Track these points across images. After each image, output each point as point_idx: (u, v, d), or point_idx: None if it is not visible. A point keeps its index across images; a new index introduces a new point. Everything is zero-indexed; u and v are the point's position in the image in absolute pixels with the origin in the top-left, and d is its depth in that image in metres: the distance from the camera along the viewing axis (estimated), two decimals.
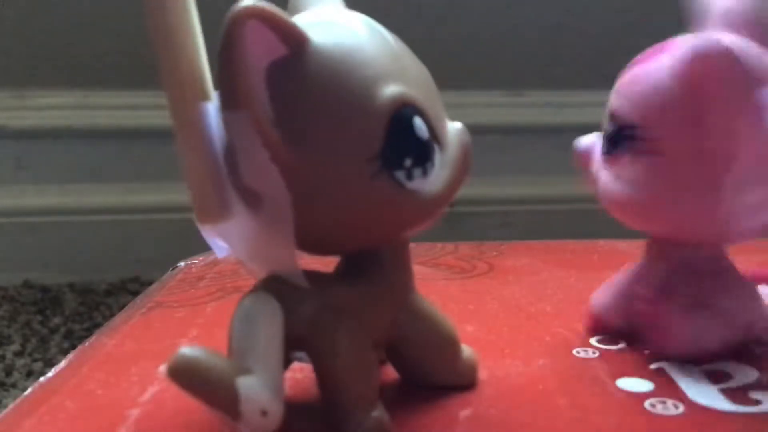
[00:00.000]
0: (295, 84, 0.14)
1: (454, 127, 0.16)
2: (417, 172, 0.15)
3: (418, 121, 0.15)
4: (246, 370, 0.14)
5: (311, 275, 0.16)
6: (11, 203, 0.64)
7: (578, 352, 0.21)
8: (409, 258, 0.17)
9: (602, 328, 0.22)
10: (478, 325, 0.23)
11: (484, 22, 0.67)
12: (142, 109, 0.63)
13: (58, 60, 0.64)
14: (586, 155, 0.21)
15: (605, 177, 0.20)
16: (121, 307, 0.28)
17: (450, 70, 0.65)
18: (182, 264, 0.33)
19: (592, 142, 0.22)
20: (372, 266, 0.16)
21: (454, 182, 0.16)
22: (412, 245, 0.17)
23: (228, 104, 0.14)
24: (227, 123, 0.14)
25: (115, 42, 0.63)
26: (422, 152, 0.15)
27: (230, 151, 0.15)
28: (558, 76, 0.70)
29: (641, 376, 0.19)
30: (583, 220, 0.71)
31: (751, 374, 0.19)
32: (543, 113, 0.69)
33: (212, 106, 0.15)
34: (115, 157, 0.65)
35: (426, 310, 0.18)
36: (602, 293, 0.22)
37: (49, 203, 0.64)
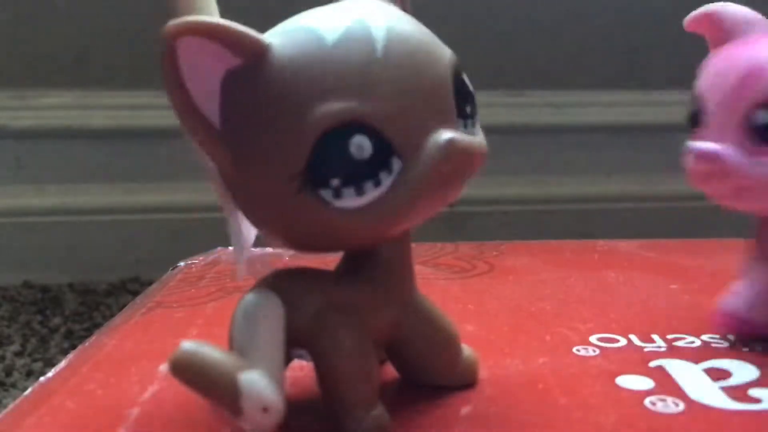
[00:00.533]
0: (243, 94, 0.14)
1: (435, 141, 0.15)
2: (347, 191, 0.14)
3: (358, 141, 0.14)
4: (248, 366, 0.14)
5: (313, 273, 0.16)
6: (11, 203, 0.64)
7: (578, 351, 0.21)
8: (410, 256, 0.17)
9: (750, 329, 0.21)
10: (478, 325, 0.23)
11: (484, 22, 0.67)
12: (143, 109, 0.63)
13: (58, 60, 0.64)
14: (721, 154, 0.20)
15: (766, 171, 0.20)
16: (121, 307, 0.28)
17: None
18: (182, 264, 0.33)
19: (718, 147, 0.20)
20: (373, 264, 0.16)
21: (411, 199, 0.15)
22: (412, 245, 0.17)
23: (178, 116, 0.15)
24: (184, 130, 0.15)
25: (115, 42, 0.63)
26: (356, 172, 0.14)
27: None
28: (558, 76, 0.70)
29: (641, 374, 0.19)
30: (583, 220, 0.71)
31: (751, 372, 0.19)
32: (543, 113, 0.69)
33: None
34: (115, 157, 0.65)
35: (427, 310, 0.18)
36: (743, 294, 0.22)
37: (49, 203, 0.64)
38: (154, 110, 0.62)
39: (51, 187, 0.65)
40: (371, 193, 0.14)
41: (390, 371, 0.18)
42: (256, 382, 0.13)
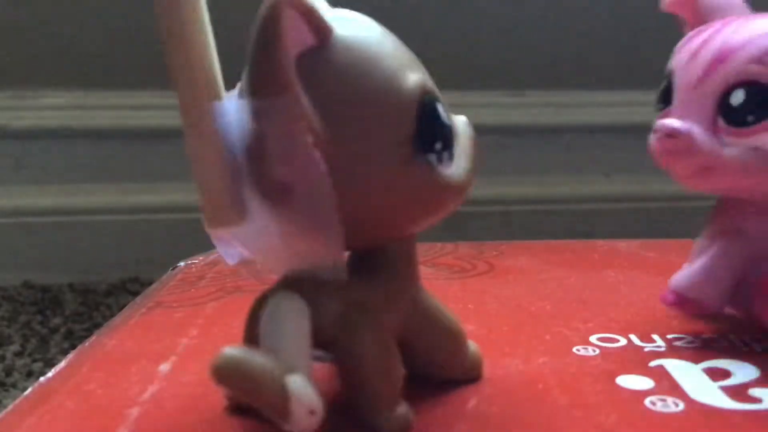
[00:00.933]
0: (325, 73, 0.15)
1: (461, 120, 0.17)
2: (445, 155, 0.16)
3: (440, 107, 0.16)
4: (292, 369, 0.14)
5: None
6: (11, 203, 0.64)
7: (578, 350, 0.21)
8: (416, 253, 0.17)
9: (696, 308, 0.21)
10: (478, 325, 0.23)
11: (485, 22, 0.67)
12: (143, 109, 0.63)
13: (58, 60, 0.64)
14: (690, 132, 0.20)
15: (735, 152, 0.20)
16: (121, 307, 0.28)
17: (451, 70, 0.65)
18: (182, 264, 0.33)
19: (686, 124, 0.21)
20: (383, 263, 0.17)
21: (472, 168, 0.17)
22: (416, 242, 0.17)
23: (265, 92, 0.14)
24: (261, 112, 0.14)
25: (114, 42, 0.64)
26: (448, 137, 0.16)
27: (257, 143, 0.14)
28: (559, 76, 0.70)
29: (641, 374, 0.19)
30: (583, 220, 0.71)
31: (751, 372, 0.19)
32: (544, 113, 0.69)
33: (229, 105, 0.15)
34: (115, 157, 0.65)
35: (433, 305, 0.18)
36: (691, 273, 0.22)
37: (49, 203, 0.64)
38: (154, 110, 0.62)
39: (51, 187, 0.65)
40: (455, 163, 0.16)
41: None
42: (303, 385, 0.13)
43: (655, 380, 0.18)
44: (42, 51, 0.64)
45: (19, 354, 0.47)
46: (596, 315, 0.24)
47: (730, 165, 0.20)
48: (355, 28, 0.15)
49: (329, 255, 0.15)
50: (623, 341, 0.21)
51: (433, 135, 0.15)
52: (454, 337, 0.18)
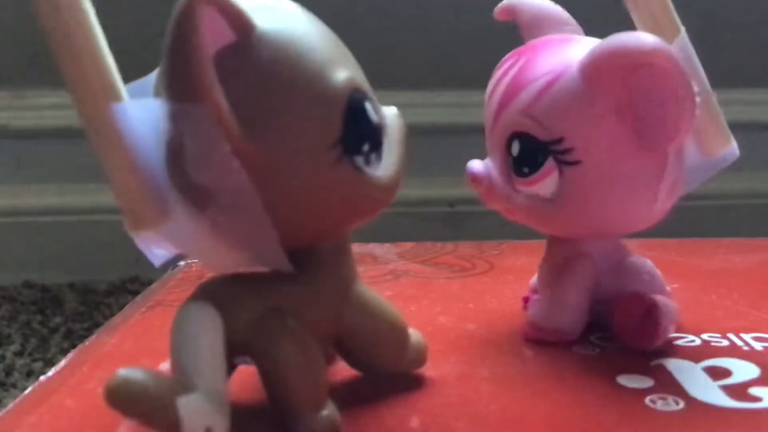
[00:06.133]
0: (244, 71, 0.14)
1: (391, 111, 0.16)
2: (373, 156, 0.15)
3: (368, 106, 0.15)
4: (187, 388, 0.13)
5: (250, 277, 0.16)
6: (11, 203, 0.64)
7: (578, 349, 0.21)
8: (350, 250, 0.17)
9: (556, 337, 0.21)
10: (478, 324, 0.23)
11: (484, 22, 0.67)
12: None
13: None
14: (489, 178, 0.21)
15: (523, 199, 0.20)
16: (121, 307, 0.28)
17: (450, 70, 0.65)
18: (182, 263, 0.33)
19: (487, 166, 0.21)
20: (314, 262, 0.16)
21: (401, 165, 0.16)
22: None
23: (181, 96, 0.13)
24: (177, 116, 0.14)
25: (113, 41, 0.63)
26: (376, 137, 0.15)
27: (174, 147, 0.14)
28: None
29: (641, 373, 0.19)
30: None
31: (751, 371, 0.19)
32: None
33: (133, 105, 0.14)
34: None
35: (371, 300, 0.17)
36: (546, 306, 0.21)
37: (49, 203, 0.64)
38: None
39: (51, 186, 0.65)
40: (383, 159, 0.15)
41: (345, 369, 0.18)
42: (196, 403, 0.13)
43: (656, 379, 0.18)
44: (42, 51, 0.63)
45: (19, 353, 0.47)
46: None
47: (518, 210, 0.20)
48: (279, 21, 0.14)
49: (264, 254, 0.15)
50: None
51: (360, 136, 0.15)
52: (395, 331, 0.18)
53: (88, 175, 0.65)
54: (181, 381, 0.14)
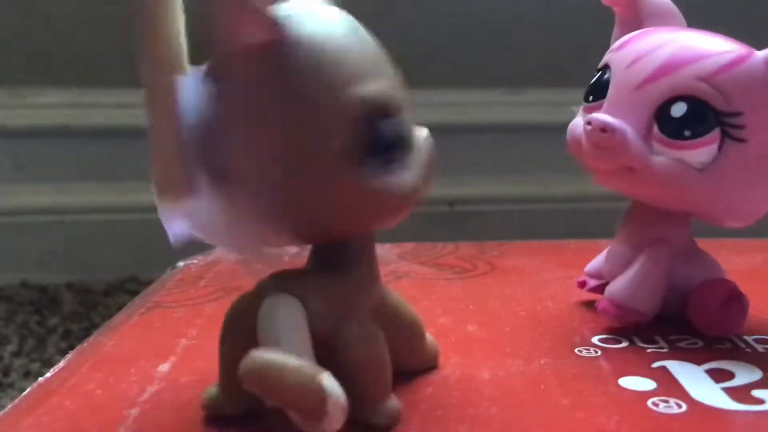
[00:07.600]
0: (270, 71, 0.14)
1: (421, 133, 0.17)
2: (384, 169, 0.15)
3: (390, 122, 0.15)
4: (319, 369, 0.14)
5: (302, 273, 0.16)
6: (9, 203, 0.64)
7: (580, 351, 0.20)
8: (374, 249, 0.17)
9: (634, 317, 0.21)
10: (479, 325, 0.23)
11: (484, 21, 0.67)
12: (141, 108, 0.63)
13: (55, 59, 0.64)
14: (624, 131, 0.20)
15: (663, 161, 0.20)
16: (120, 307, 0.28)
17: (450, 69, 0.65)
18: (181, 264, 0.33)
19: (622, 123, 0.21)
20: (350, 258, 0.17)
21: (423, 183, 0.16)
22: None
23: (215, 74, 0.14)
24: (212, 95, 0.14)
25: (113, 41, 0.63)
26: (390, 151, 0.15)
27: (208, 124, 0.15)
28: (558, 75, 0.69)
29: (644, 375, 0.19)
30: (583, 220, 0.71)
31: (754, 373, 0.19)
32: (543, 112, 0.69)
33: (190, 80, 0.15)
34: (113, 156, 0.64)
35: (394, 299, 0.18)
36: (628, 284, 0.22)
37: (47, 203, 0.64)
38: None
39: (49, 186, 0.65)
40: (400, 173, 0.15)
41: None
42: (335, 383, 0.13)
43: (658, 381, 0.18)
44: (40, 50, 0.63)
45: (16, 354, 0.47)
46: (598, 315, 0.24)
47: (654, 172, 0.20)
48: (312, 28, 0.15)
49: (274, 244, 0.15)
50: (625, 342, 0.21)
51: (368, 149, 0.15)
52: (414, 330, 0.18)
53: (86, 174, 0.65)
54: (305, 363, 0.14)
